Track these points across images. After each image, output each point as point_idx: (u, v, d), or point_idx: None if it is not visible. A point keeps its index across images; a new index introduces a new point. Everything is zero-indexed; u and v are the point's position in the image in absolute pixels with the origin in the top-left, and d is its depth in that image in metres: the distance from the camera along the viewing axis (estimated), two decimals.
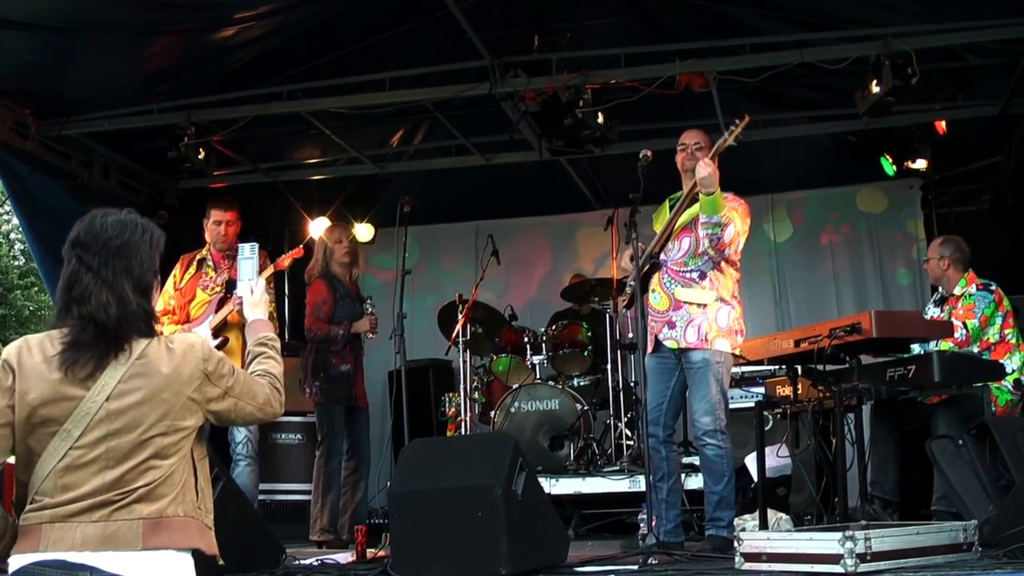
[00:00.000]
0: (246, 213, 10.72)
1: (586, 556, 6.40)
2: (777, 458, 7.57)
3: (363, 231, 11.95)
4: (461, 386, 10.11)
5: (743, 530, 7.04)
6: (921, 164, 10.74)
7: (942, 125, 10.28)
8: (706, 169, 6.36)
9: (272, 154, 11.41)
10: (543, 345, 10.00)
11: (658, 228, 6.93)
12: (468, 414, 9.98)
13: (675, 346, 6.64)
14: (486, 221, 11.98)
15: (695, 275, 6.67)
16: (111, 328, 3.36)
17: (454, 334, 10.07)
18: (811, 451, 6.97)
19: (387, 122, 10.99)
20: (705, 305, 6.63)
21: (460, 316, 10.03)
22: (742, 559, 5.26)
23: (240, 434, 7.86)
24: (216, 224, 8.13)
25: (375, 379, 12.28)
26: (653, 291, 6.80)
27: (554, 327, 10.08)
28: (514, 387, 9.72)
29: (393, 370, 11.87)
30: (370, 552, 6.69)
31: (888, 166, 10.96)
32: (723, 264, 6.69)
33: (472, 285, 10.32)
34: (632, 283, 6.79)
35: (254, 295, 4.13)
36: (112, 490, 3.29)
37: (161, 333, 3.51)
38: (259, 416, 3.69)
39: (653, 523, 6.41)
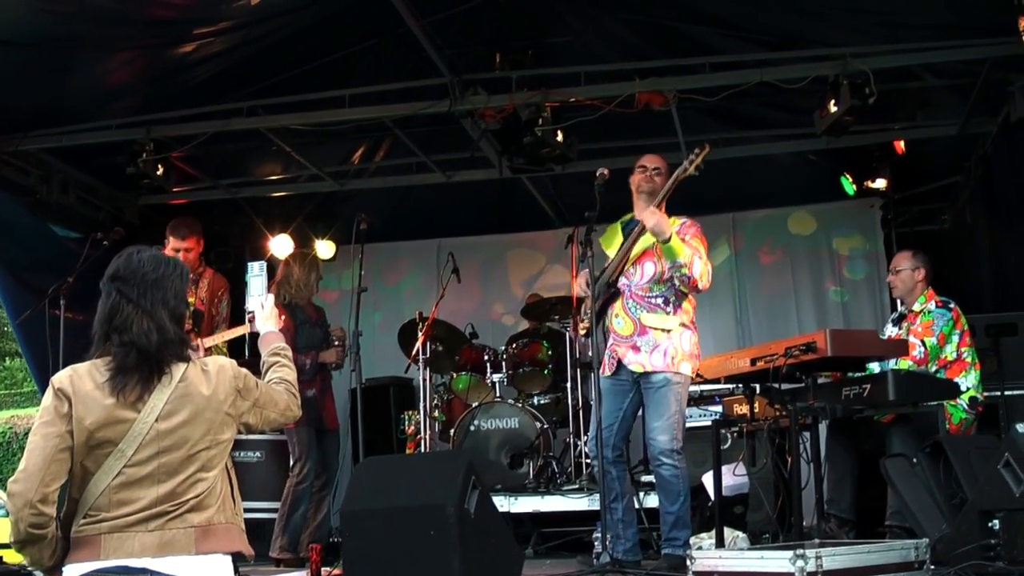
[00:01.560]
0: (207, 229, 10.68)
1: (541, 574, 6.38)
2: (734, 476, 7.58)
3: (324, 248, 11.93)
4: (421, 404, 10.07)
5: (699, 548, 7.05)
6: (881, 183, 10.80)
7: (901, 145, 10.35)
8: (653, 218, 6.42)
9: (233, 170, 11.35)
10: (503, 363, 9.99)
11: (608, 250, 6.96)
12: (428, 432, 9.93)
13: (641, 370, 6.65)
14: (448, 239, 11.96)
15: (660, 300, 6.71)
16: (153, 353, 3.70)
17: (414, 352, 10.03)
18: (768, 469, 6.96)
19: (348, 139, 10.95)
20: (670, 330, 6.67)
21: (420, 334, 9.99)
22: None
23: None
24: (175, 252, 8.09)
25: (337, 397, 12.29)
26: (617, 316, 6.80)
27: (514, 345, 10.06)
28: (474, 405, 9.68)
29: (353, 388, 11.90)
30: (324, 571, 6.65)
31: (848, 185, 11.02)
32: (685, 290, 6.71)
33: (433, 303, 10.27)
34: (587, 312, 6.80)
35: (265, 309, 4.53)
36: (166, 502, 3.63)
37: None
38: (281, 421, 4.11)
39: (607, 542, 6.39)
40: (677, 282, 6.60)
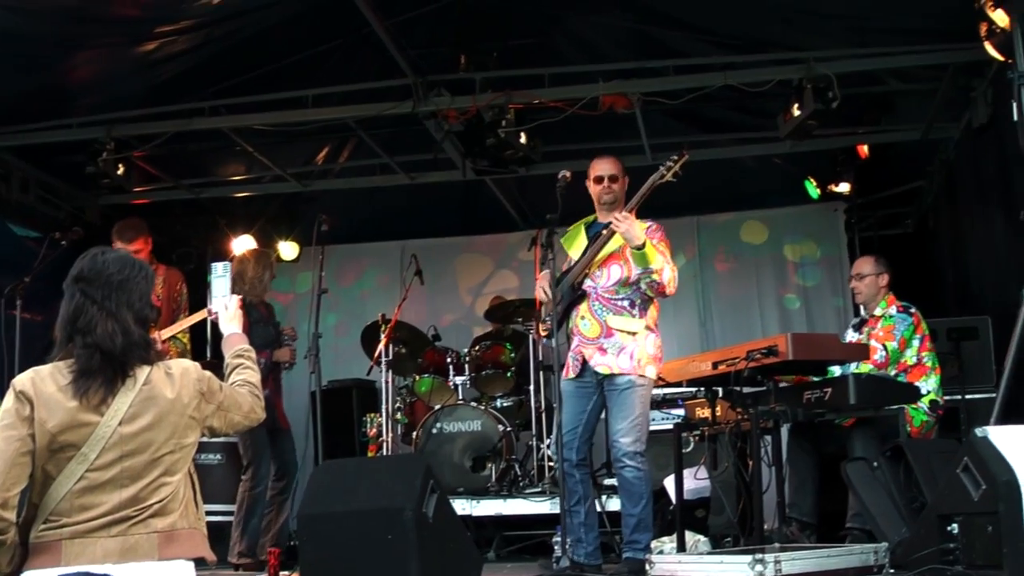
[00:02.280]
0: (169, 229, 10.62)
1: None
2: (695, 480, 7.56)
3: (287, 249, 11.87)
4: (383, 407, 10.01)
5: (660, 552, 7.03)
6: (845, 187, 10.81)
7: (864, 149, 10.37)
8: (625, 224, 6.39)
9: (196, 170, 11.27)
10: (466, 366, 9.94)
11: (571, 250, 6.93)
12: (390, 435, 9.88)
13: (607, 372, 6.62)
14: (412, 240, 11.90)
15: (626, 303, 6.69)
16: (117, 356, 3.66)
17: (376, 354, 9.98)
18: (730, 473, 6.95)
19: (313, 140, 10.91)
20: (635, 333, 6.65)
21: (383, 336, 9.95)
22: None
23: None
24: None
25: (297, 399, 12.21)
26: (583, 318, 6.77)
27: (477, 348, 10.02)
28: (436, 408, 9.63)
29: (314, 390, 11.83)
30: (283, 574, 6.59)
31: (812, 189, 11.05)
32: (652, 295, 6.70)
33: (392, 305, 10.22)
34: (549, 315, 6.77)
35: (229, 310, 4.50)
36: (129, 507, 3.58)
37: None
38: (245, 423, 4.04)
39: (568, 545, 6.36)
40: (644, 287, 6.59)
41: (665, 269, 6.52)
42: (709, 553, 5.98)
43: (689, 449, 8.16)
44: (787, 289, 11.89)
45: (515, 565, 8.05)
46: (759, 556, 4.77)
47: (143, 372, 3.70)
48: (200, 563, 3.75)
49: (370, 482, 5.56)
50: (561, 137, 9.85)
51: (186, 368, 3.84)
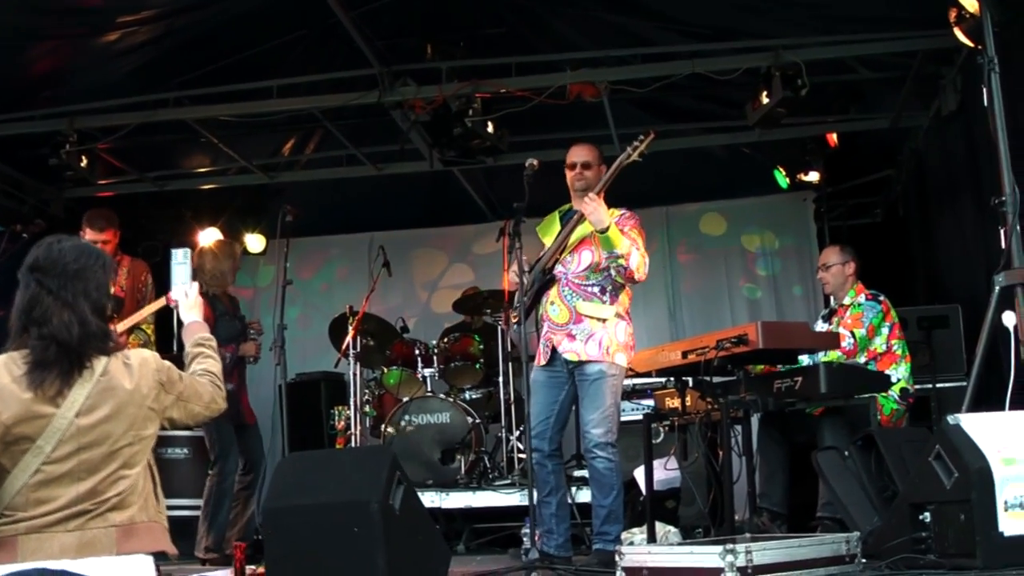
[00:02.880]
0: (135, 222, 10.51)
1: (469, 571, 6.29)
2: (666, 471, 7.53)
3: (254, 242, 11.78)
4: (352, 399, 9.94)
5: (630, 543, 6.99)
6: (814, 176, 10.79)
7: (833, 138, 10.35)
8: (592, 205, 6.33)
9: (161, 163, 11.18)
10: (434, 358, 9.89)
11: (546, 239, 6.87)
12: (358, 427, 9.82)
13: (576, 359, 6.53)
14: (380, 232, 11.84)
15: (596, 289, 6.60)
16: (73, 347, 3.59)
17: (344, 346, 9.91)
18: (700, 464, 6.91)
19: (279, 131, 10.84)
20: (605, 320, 6.56)
21: (350, 328, 9.88)
22: (623, 574, 5.17)
23: None
24: (97, 243, 7.91)
25: (264, 392, 12.12)
26: (552, 303, 6.69)
27: (446, 340, 9.98)
28: (405, 400, 9.58)
29: (281, 383, 11.75)
30: (249, 569, 6.50)
31: (781, 178, 11.02)
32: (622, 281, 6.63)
33: (357, 297, 10.19)
34: (522, 299, 6.70)
35: (189, 298, 4.44)
36: (86, 500, 3.51)
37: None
38: (206, 414, 4.00)
39: (537, 537, 6.31)
40: (614, 272, 6.50)
41: (633, 254, 6.43)
42: (679, 544, 5.92)
43: (659, 440, 8.08)
44: (753, 279, 11.87)
45: (484, 557, 7.98)
46: (730, 547, 4.71)
47: (101, 363, 3.62)
48: (161, 556, 3.71)
49: (335, 475, 5.47)
50: (529, 127, 9.83)
51: (145, 358, 3.77)
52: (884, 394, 6.90)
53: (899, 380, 7.09)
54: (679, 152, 10.72)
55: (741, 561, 4.70)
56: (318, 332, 10.85)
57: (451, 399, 9.57)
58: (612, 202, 6.60)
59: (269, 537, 5.47)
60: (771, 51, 8.47)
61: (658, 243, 11.79)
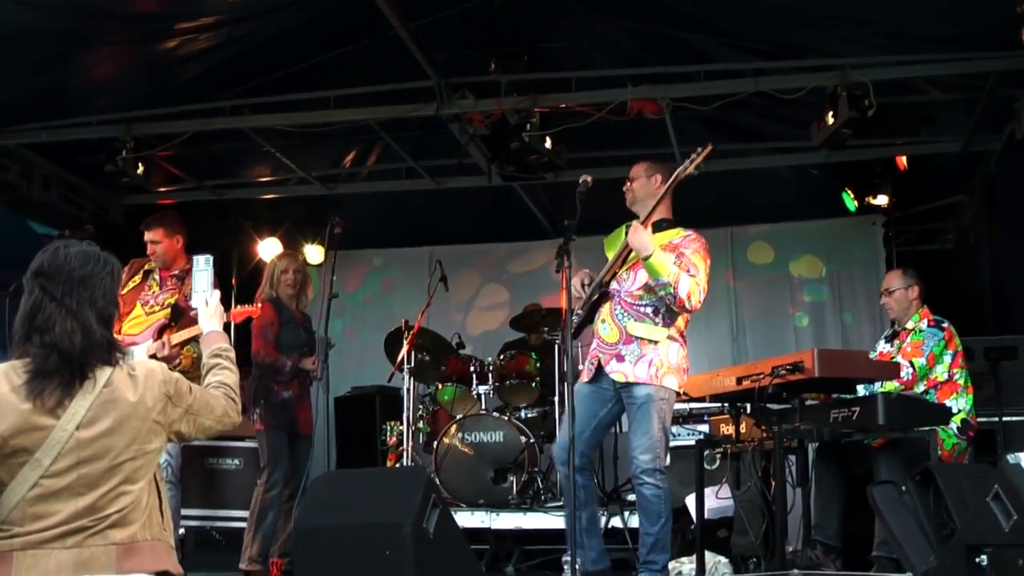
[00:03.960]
0: (195, 231, 10.48)
1: None
2: (719, 499, 7.32)
3: (313, 253, 11.74)
4: (405, 415, 9.84)
5: (678, 573, 6.82)
6: (883, 200, 10.54)
7: (903, 160, 10.10)
8: (635, 234, 6.23)
9: (221, 172, 11.18)
10: (489, 375, 9.74)
11: (609, 253, 6.68)
12: (410, 443, 9.71)
13: (623, 380, 6.36)
14: (440, 247, 11.78)
15: (649, 310, 6.40)
16: (76, 357, 3.47)
17: (398, 361, 9.83)
18: (754, 493, 6.71)
19: (340, 143, 10.83)
20: (657, 342, 6.36)
21: (405, 343, 9.79)
22: None
23: (161, 458, 7.59)
24: (148, 243, 7.91)
25: (319, 405, 12.09)
26: (603, 321, 6.52)
27: (502, 357, 9.82)
28: (457, 417, 9.45)
29: (339, 396, 11.70)
30: None
31: (850, 201, 10.78)
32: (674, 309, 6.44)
33: (415, 311, 10.08)
34: (570, 317, 6.56)
35: (209, 306, 4.26)
36: (85, 516, 3.39)
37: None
38: (218, 428, 3.87)
39: (577, 565, 6.15)
40: (662, 302, 6.34)
41: (683, 282, 6.20)
42: None
43: (715, 467, 7.89)
44: (817, 304, 11.65)
45: None
46: None
47: (104, 374, 3.50)
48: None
49: (369, 495, 5.38)
50: (590, 144, 9.66)
51: (151, 369, 3.64)
52: (944, 427, 6.66)
53: (959, 411, 6.83)
54: (744, 172, 10.54)
55: None
56: (374, 344, 10.78)
57: (505, 417, 9.41)
58: (677, 222, 6.46)
59: (299, 557, 5.39)
60: (838, 70, 8.26)
61: (722, 264, 11.62)
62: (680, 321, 6.49)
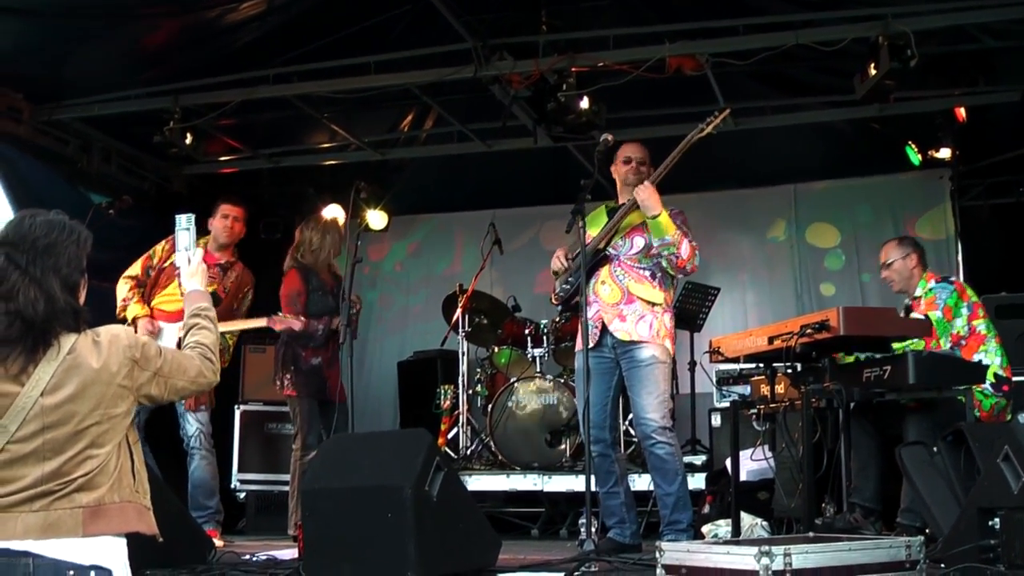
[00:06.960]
0: (256, 199, 10.61)
1: (518, 558, 6.16)
2: (757, 461, 7.20)
3: (376, 219, 11.75)
4: (460, 378, 9.86)
5: (714, 536, 6.76)
6: (945, 153, 10.23)
7: (962, 112, 9.78)
8: (646, 192, 6.30)
9: (280, 140, 11.19)
10: (544, 338, 9.71)
11: (592, 230, 6.68)
12: (466, 407, 9.75)
13: (627, 338, 6.45)
14: (501, 210, 11.75)
15: (647, 273, 6.57)
16: (38, 324, 3.48)
17: (452, 324, 9.86)
18: (794, 454, 6.58)
19: (394, 109, 10.84)
20: (655, 304, 6.50)
21: (459, 306, 9.80)
22: (663, 571, 4.92)
23: (192, 427, 7.79)
24: (224, 218, 8.09)
25: (385, 370, 12.14)
26: (603, 283, 6.60)
27: (558, 319, 9.76)
28: (512, 380, 9.43)
29: (401, 361, 11.75)
30: None
31: (914, 155, 10.42)
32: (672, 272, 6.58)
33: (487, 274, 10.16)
34: (570, 279, 6.57)
35: (191, 265, 4.26)
36: (51, 480, 3.41)
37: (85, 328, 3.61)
38: (193, 388, 3.87)
39: (594, 528, 6.13)
40: (665, 262, 6.45)
41: (684, 242, 6.36)
42: (716, 543, 5.58)
43: (765, 428, 7.77)
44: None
45: (550, 543, 7.98)
46: (765, 549, 4.42)
47: (68, 340, 3.53)
48: (137, 538, 3.58)
49: (373, 458, 5.40)
50: (632, 102, 9.54)
51: (115, 335, 3.64)
52: (980, 387, 6.45)
53: (989, 365, 6.61)
54: (804, 128, 10.31)
55: (778, 564, 4.41)
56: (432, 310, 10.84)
57: (561, 380, 9.39)
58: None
59: (306, 519, 5.46)
60: (881, 19, 7.97)
61: (786, 222, 11.45)
62: (671, 290, 6.70)
